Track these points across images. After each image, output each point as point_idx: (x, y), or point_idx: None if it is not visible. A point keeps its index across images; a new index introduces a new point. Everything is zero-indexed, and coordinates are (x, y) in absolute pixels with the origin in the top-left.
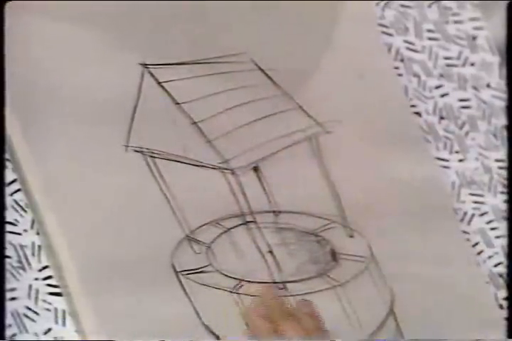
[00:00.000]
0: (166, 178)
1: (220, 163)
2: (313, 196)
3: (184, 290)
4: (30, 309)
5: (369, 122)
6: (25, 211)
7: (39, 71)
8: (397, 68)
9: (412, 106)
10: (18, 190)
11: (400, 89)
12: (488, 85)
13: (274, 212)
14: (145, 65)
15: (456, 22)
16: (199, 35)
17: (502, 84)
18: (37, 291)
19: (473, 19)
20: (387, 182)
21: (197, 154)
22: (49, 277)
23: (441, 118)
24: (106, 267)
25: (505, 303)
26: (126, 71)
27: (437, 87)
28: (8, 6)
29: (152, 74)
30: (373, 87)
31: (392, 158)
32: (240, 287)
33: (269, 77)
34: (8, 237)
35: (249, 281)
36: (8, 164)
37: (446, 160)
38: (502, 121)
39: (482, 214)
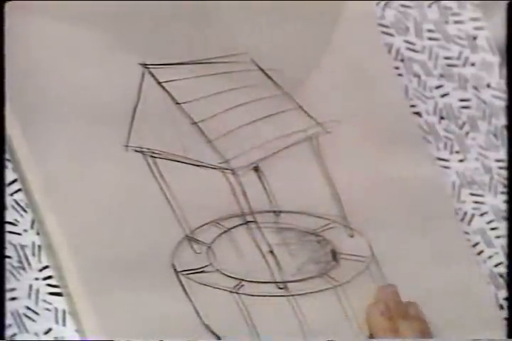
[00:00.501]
0: (167, 178)
1: (220, 163)
2: (313, 196)
3: (184, 290)
4: (30, 309)
5: (369, 122)
6: (25, 211)
7: (39, 71)
8: (397, 68)
9: (412, 106)
10: (19, 190)
11: (400, 89)
12: (488, 85)
13: (274, 211)
14: (145, 65)
15: (456, 22)
16: (199, 35)
17: (502, 84)
18: (37, 291)
19: (473, 19)
20: (387, 181)
21: (197, 154)
22: (49, 277)
23: (442, 118)
24: (106, 267)
25: (505, 303)
26: (126, 71)
27: (437, 87)
28: (8, 6)
29: (152, 74)
30: (373, 87)
31: (392, 158)
32: (241, 287)
33: (269, 77)
34: (9, 237)
35: (249, 281)
36: (8, 164)
37: (447, 160)
38: (502, 121)
39: (482, 214)
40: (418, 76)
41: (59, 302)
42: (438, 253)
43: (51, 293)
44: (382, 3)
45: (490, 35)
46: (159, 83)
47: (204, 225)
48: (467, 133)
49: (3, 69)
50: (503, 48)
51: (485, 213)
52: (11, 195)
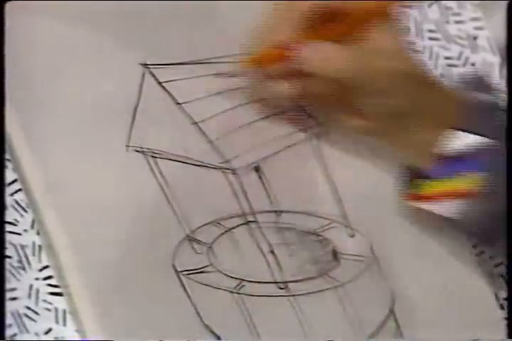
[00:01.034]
0: (167, 178)
1: (221, 163)
2: (314, 196)
3: (185, 290)
4: (30, 309)
5: None
6: (25, 211)
7: (39, 71)
8: None
9: None
10: (19, 190)
11: None
12: None
13: (275, 211)
14: (145, 65)
15: (456, 22)
16: (199, 35)
17: (502, 84)
18: (37, 291)
19: (473, 19)
20: (387, 181)
21: (198, 154)
22: (49, 277)
23: None
24: (106, 267)
25: (505, 303)
26: (126, 71)
27: None
28: (8, 6)
29: (153, 74)
30: None
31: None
32: (241, 287)
33: None
34: (9, 237)
35: (250, 281)
36: (8, 164)
37: None
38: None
39: None
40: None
41: (59, 302)
42: (438, 253)
43: (51, 293)
44: None
45: (490, 35)
46: (159, 83)
47: (204, 225)
48: None
49: (3, 69)
50: (503, 48)
51: None
52: (11, 194)
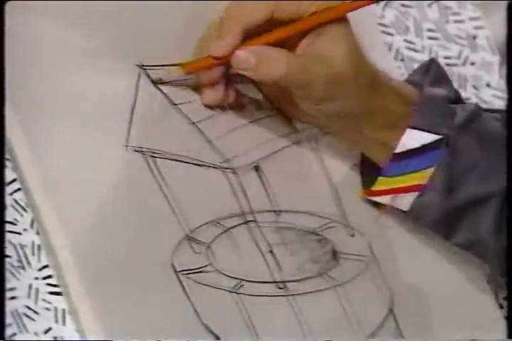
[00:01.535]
0: (166, 178)
1: (220, 163)
2: (313, 195)
3: (184, 289)
4: (30, 308)
5: None
6: (25, 210)
7: (39, 71)
8: (398, 68)
9: None
10: (18, 190)
11: None
12: (488, 85)
13: (274, 211)
14: (142, 66)
15: (456, 21)
16: (197, 36)
17: (502, 83)
18: (37, 290)
19: (473, 18)
20: None
21: (197, 153)
22: (49, 276)
23: None
24: (106, 266)
25: (505, 303)
26: (124, 71)
27: None
28: (8, 6)
29: (148, 75)
30: None
31: None
32: (240, 287)
33: None
34: (8, 236)
35: (249, 281)
36: (7, 163)
37: None
38: None
39: None
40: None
41: (59, 302)
42: (438, 253)
43: (51, 293)
44: (383, 2)
45: (490, 34)
46: (155, 84)
47: (204, 225)
48: None
49: (3, 69)
50: (502, 48)
51: None
52: (11, 194)
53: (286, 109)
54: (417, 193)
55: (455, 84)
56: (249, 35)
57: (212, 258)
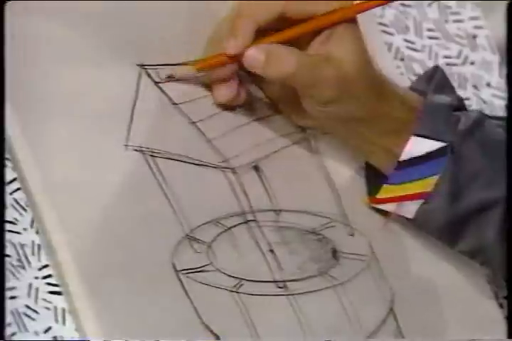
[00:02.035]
0: (166, 177)
1: (220, 162)
2: (313, 195)
3: (184, 289)
4: (29, 308)
5: None
6: (24, 210)
7: (39, 71)
8: (398, 67)
9: None
10: (18, 189)
11: None
12: (488, 84)
13: (274, 210)
14: (142, 66)
15: (456, 21)
16: (198, 35)
17: (502, 83)
18: (37, 290)
19: (473, 18)
20: None
21: (197, 153)
22: (49, 276)
23: None
24: (106, 266)
25: (505, 303)
26: (125, 71)
27: None
28: (8, 6)
29: (149, 75)
30: None
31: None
32: (240, 286)
33: None
34: (8, 236)
35: (249, 280)
36: (7, 163)
37: None
38: None
39: None
40: (418, 75)
41: (59, 301)
42: (438, 253)
43: (51, 292)
44: None
45: (490, 34)
46: (156, 84)
47: (204, 224)
48: None
49: (3, 69)
50: (502, 47)
51: None
52: (11, 193)
53: (287, 111)
54: (422, 201)
55: (455, 84)
56: (261, 34)
57: (213, 258)
